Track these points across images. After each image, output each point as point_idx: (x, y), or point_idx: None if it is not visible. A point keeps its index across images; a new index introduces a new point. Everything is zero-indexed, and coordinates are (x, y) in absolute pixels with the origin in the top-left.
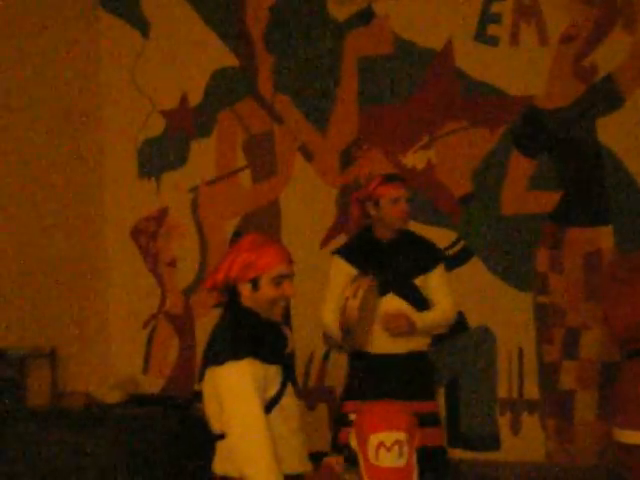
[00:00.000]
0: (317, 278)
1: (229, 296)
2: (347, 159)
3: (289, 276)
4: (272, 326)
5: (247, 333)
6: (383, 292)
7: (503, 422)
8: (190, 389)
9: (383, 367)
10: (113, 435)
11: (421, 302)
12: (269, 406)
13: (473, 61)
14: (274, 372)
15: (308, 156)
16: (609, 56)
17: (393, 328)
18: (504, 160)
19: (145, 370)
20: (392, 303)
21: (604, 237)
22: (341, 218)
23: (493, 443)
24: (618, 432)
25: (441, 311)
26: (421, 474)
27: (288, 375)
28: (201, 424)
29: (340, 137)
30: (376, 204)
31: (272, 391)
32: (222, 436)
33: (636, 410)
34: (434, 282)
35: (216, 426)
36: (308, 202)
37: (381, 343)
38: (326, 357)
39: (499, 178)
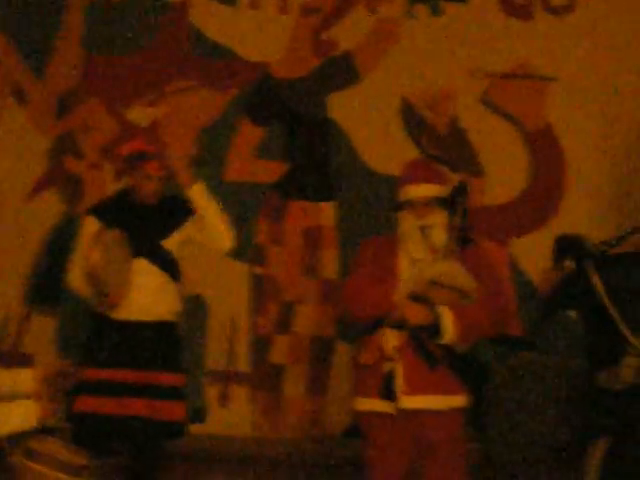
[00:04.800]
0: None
1: None
2: (64, 107)
3: None
4: None
5: None
6: (135, 256)
7: (211, 394)
8: None
9: (129, 334)
10: None
11: (170, 264)
12: None
13: (209, 19)
14: None
15: (21, 99)
16: (349, 33)
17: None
18: (233, 125)
19: None
20: (141, 268)
21: (326, 213)
22: (53, 170)
23: (199, 415)
24: (354, 399)
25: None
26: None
27: None
28: None
29: (58, 83)
30: (131, 173)
31: None
32: None
33: (361, 378)
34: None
35: None
36: (17, 150)
37: (129, 308)
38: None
39: (226, 143)
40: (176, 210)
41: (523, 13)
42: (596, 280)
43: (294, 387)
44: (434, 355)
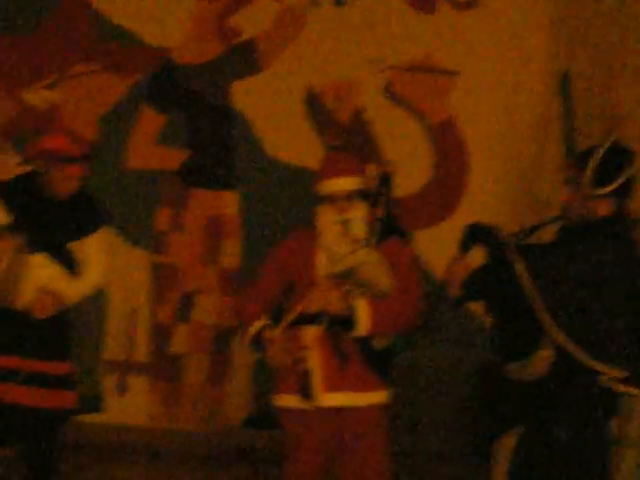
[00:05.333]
0: None
1: None
2: None
3: None
4: None
5: None
6: (34, 250)
7: (109, 383)
8: None
9: (18, 321)
10: None
11: (71, 267)
12: None
13: (112, 2)
14: None
15: None
16: (254, 21)
17: (39, 310)
18: (134, 111)
19: None
20: (39, 262)
21: (229, 201)
22: None
23: (96, 404)
24: (274, 396)
25: (88, 282)
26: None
27: None
28: None
29: None
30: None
31: None
32: None
33: (280, 374)
34: (86, 250)
35: None
36: None
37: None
38: None
39: (127, 129)
40: (90, 217)
41: (427, 7)
42: (521, 268)
43: (193, 377)
44: (347, 352)
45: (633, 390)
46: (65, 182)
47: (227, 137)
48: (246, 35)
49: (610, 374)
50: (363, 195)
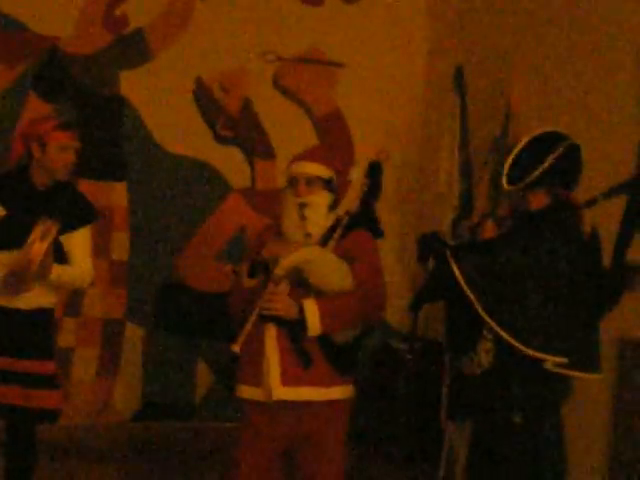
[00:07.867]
0: None
1: None
2: None
3: None
4: None
5: None
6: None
7: None
8: None
9: (6, 321)
10: None
11: (60, 257)
12: None
13: None
14: None
15: None
16: (142, 10)
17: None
18: (21, 101)
19: None
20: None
21: (117, 193)
22: None
23: None
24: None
25: (80, 271)
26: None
27: None
28: None
29: None
30: (43, 147)
31: None
32: None
33: (240, 366)
34: (77, 241)
35: None
36: None
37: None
38: None
39: (14, 119)
40: (78, 213)
41: None
42: (454, 267)
43: (83, 371)
44: (307, 353)
45: (578, 374)
46: (61, 154)
47: (115, 128)
48: (134, 25)
49: (552, 361)
50: (328, 186)
